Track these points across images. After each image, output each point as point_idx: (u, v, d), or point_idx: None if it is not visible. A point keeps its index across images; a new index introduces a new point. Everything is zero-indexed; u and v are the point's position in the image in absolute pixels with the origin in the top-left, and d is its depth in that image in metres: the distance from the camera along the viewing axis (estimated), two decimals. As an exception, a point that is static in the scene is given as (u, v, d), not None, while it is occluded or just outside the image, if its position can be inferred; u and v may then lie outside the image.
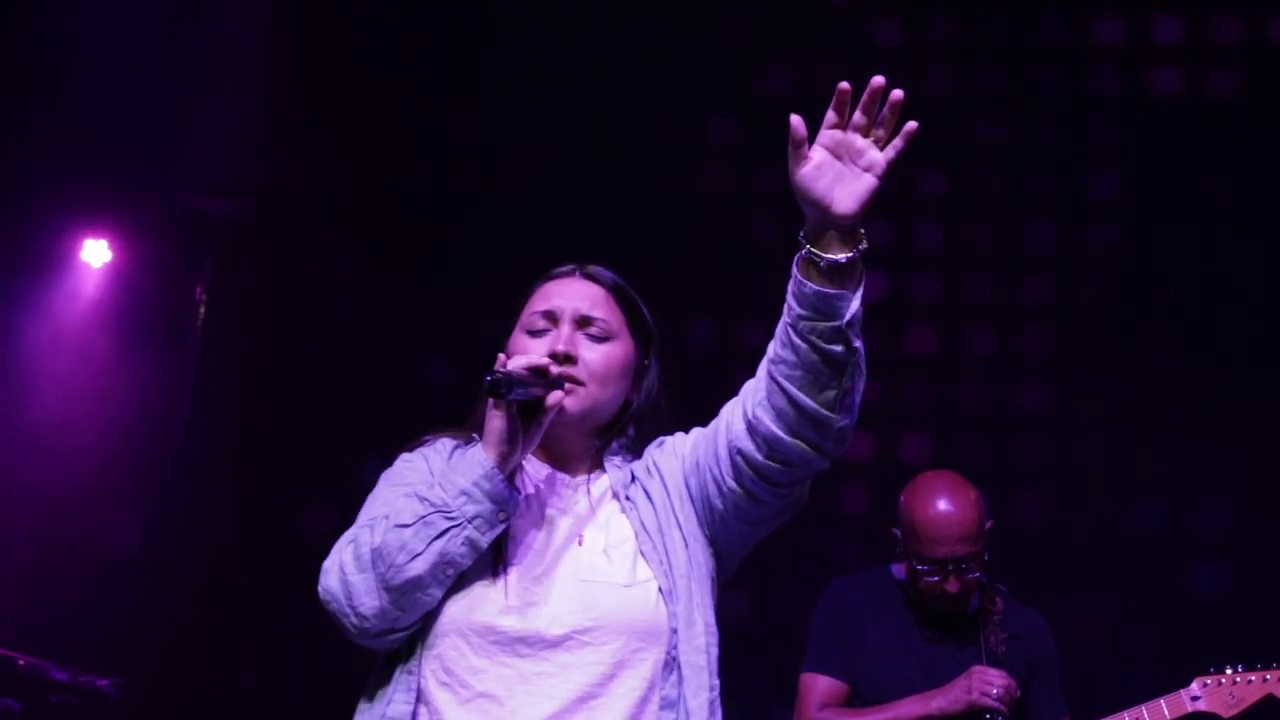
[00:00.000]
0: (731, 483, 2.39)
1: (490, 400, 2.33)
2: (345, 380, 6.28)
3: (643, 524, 2.43)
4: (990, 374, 6.18)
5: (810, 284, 2.23)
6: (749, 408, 2.34)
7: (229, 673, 6.18)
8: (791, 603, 5.24)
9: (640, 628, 2.35)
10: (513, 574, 2.36)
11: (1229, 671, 4.20)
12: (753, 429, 2.33)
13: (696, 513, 2.45)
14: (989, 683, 3.97)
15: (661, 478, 2.48)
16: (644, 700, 2.33)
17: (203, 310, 5.96)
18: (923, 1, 6.42)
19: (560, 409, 2.36)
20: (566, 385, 2.40)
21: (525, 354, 2.41)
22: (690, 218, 6.40)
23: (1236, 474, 5.90)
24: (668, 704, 2.34)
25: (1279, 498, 5.82)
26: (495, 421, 2.33)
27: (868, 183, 2.22)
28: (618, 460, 2.52)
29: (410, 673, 2.34)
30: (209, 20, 6.29)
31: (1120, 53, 6.28)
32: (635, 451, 2.54)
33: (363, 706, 2.39)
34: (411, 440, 2.57)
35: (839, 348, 2.25)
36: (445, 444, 2.52)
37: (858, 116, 2.22)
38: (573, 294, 2.53)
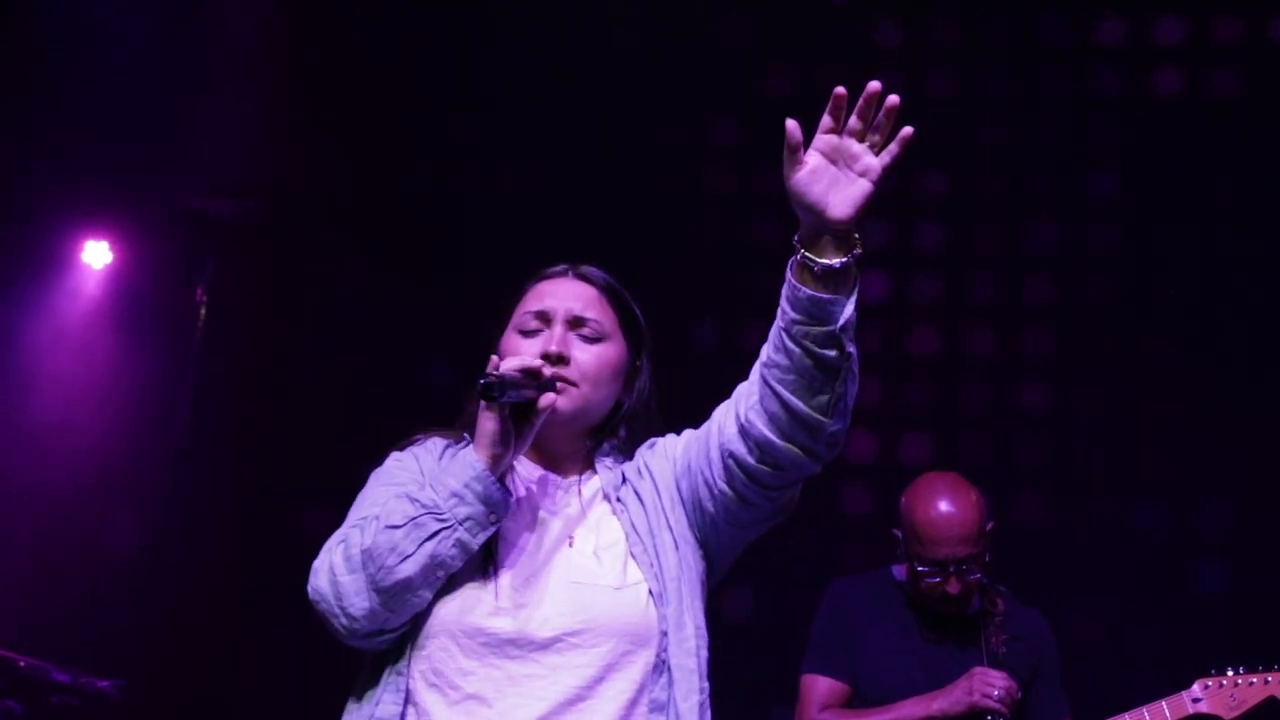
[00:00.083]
0: (723, 485, 2.39)
1: (482, 403, 2.33)
2: (345, 380, 6.28)
3: (633, 526, 2.43)
4: (991, 374, 6.18)
5: (804, 288, 2.23)
6: (741, 411, 2.34)
7: (229, 673, 6.18)
8: (792, 603, 5.26)
9: (630, 630, 2.34)
10: (503, 576, 2.36)
11: (1230, 673, 4.20)
12: (745, 432, 2.33)
13: (687, 515, 2.45)
14: (990, 684, 3.97)
15: (653, 479, 2.48)
16: (633, 703, 2.33)
17: (203, 311, 5.96)
18: (923, 1, 6.42)
19: (552, 409, 2.36)
20: (559, 385, 2.40)
21: (518, 354, 2.42)
22: (690, 218, 6.39)
23: (1236, 474, 5.90)
24: (657, 707, 2.34)
25: (1279, 498, 5.82)
26: (487, 423, 2.33)
27: (863, 188, 2.21)
28: (609, 461, 2.52)
29: (399, 674, 2.34)
30: (209, 20, 6.28)
31: (1121, 53, 6.27)
32: (626, 453, 2.54)
33: (351, 707, 2.39)
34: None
35: (832, 352, 2.25)
36: (436, 443, 2.53)
37: (853, 121, 2.22)
38: (565, 294, 2.53)
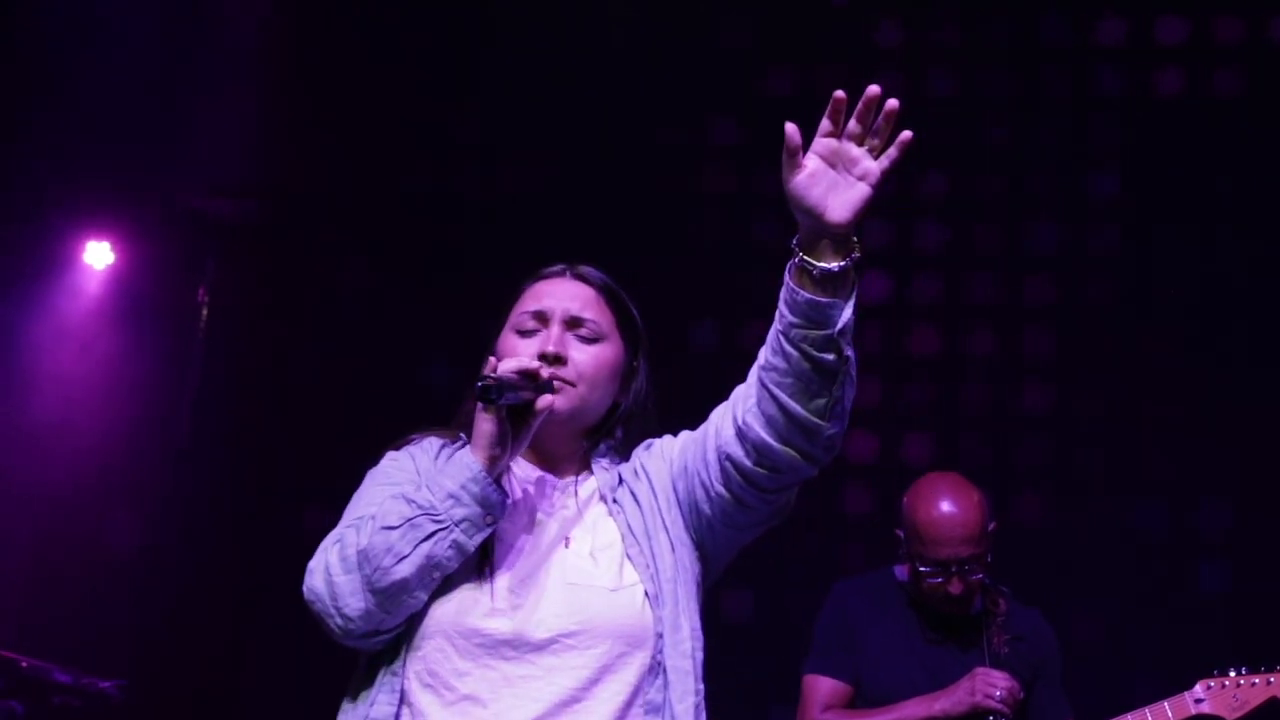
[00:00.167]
0: (720, 488, 2.38)
1: (480, 405, 2.32)
2: (345, 380, 6.28)
3: (630, 527, 2.43)
4: (991, 374, 6.18)
5: (803, 292, 2.23)
6: (739, 413, 2.34)
7: (229, 673, 6.18)
8: (793, 603, 5.25)
9: (626, 632, 2.34)
10: (499, 577, 2.36)
11: (1232, 674, 4.19)
12: (742, 435, 2.33)
13: (683, 516, 2.45)
14: (992, 684, 3.97)
15: (649, 481, 2.47)
16: (627, 704, 2.33)
17: (204, 311, 5.96)
18: (923, 2, 6.42)
19: (550, 410, 2.36)
20: (556, 385, 2.39)
21: (515, 354, 2.42)
22: (690, 218, 6.40)
23: (1236, 474, 5.90)
24: (652, 708, 2.34)
25: (1279, 498, 5.82)
26: (484, 425, 2.32)
27: (861, 191, 2.21)
28: (605, 462, 2.52)
29: (394, 674, 2.34)
30: (209, 20, 6.28)
31: (1121, 53, 6.27)
32: (623, 454, 2.53)
33: (346, 707, 2.38)
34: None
35: (830, 356, 2.25)
36: (432, 443, 2.52)
37: (852, 125, 2.21)
38: (563, 294, 2.53)
